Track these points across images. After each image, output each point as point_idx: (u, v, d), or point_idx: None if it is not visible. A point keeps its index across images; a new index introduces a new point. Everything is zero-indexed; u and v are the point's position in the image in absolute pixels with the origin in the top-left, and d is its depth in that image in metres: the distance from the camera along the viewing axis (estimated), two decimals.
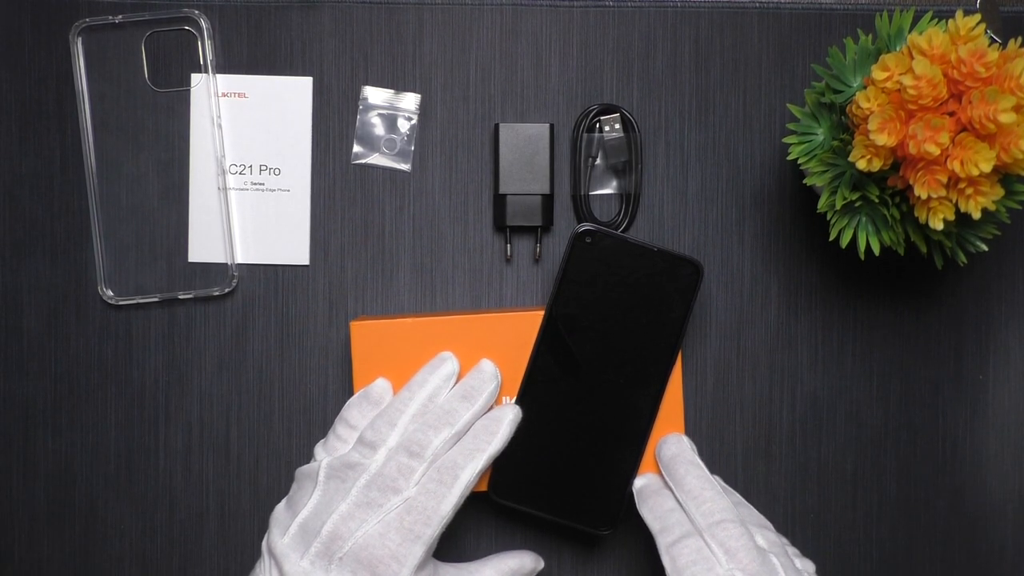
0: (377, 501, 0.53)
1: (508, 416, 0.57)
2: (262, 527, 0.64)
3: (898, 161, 0.53)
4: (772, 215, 0.65)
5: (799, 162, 0.57)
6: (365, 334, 0.60)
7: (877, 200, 0.55)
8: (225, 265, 0.63)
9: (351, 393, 0.63)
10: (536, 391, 0.60)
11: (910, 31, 0.55)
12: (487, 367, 0.59)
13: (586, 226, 0.60)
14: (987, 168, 0.50)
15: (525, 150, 0.63)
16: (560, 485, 0.60)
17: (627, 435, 0.60)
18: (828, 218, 0.57)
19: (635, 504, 0.59)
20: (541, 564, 0.61)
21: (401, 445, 0.55)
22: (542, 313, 0.60)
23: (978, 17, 0.52)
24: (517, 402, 0.60)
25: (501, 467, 0.60)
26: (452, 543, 0.64)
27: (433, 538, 0.53)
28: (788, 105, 0.60)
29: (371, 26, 0.64)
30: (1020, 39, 0.53)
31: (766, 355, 0.65)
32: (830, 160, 0.56)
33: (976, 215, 0.52)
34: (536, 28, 0.64)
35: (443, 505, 0.53)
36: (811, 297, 0.65)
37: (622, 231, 0.64)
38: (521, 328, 0.60)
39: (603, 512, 0.61)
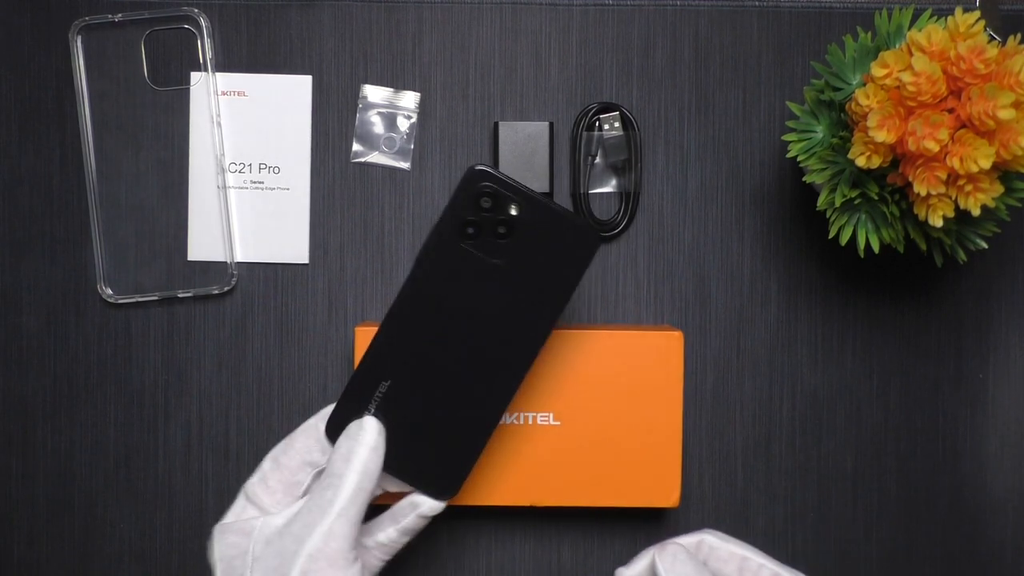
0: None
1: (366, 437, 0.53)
2: None
3: (897, 158, 0.53)
4: (772, 213, 0.65)
5: (798, 160, 0.57)
6: (369, 340, 0.59)
7: (877, 197, 0.55)
8: (224, 264, 0.63)
9: None
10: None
11: (909, 28, 0.55)
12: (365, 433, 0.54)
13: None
14: (986, 164, 0.50)
15: (524, 148, 0.63)
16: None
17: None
18: (828, 216, 0.57)
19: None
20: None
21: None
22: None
23: (977, 14, 0.52)
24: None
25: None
26: (457, 553, 0.64)
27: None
28: (788, 103, 0.60)
29: (371, 24, 0.64)
30: (1019, 36, 0.53)
31: (766, 354, 0.64)
32: (829, 157, 0.56)
33: (976, 212, 0.52)
34: (535, 26, 0.64)
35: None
36: (811, 295, 0.65)
37: (621, 230, 0.64)
38: None
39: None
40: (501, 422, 0.58)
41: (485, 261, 0.53)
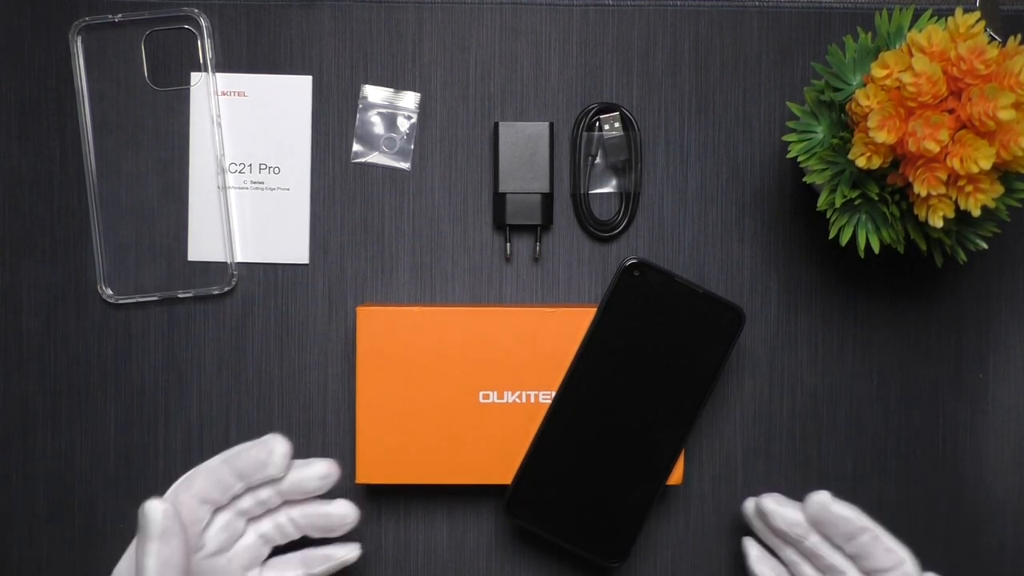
0: None
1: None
2: None
3: (898, 159, 0.53)
4: (772, 213, 0.65)
5: (799, 160, 0.57)
6: (371, 320, 0.60)
7: (877, 198, 0.55)
8: (224, 264, 0.63)
9: (352, 390, 0.64)
10: (565, 415, 0.60)
11: (909, 29, 0.55)
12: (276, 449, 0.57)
13: (634, 259, 0.60)
14: (987, 165, 0.50)
15: (525, 149, 0.63)
16: (575, 511, 0.61)
17: (647, 471, 0.60)
18: (828, 216, 0.57)
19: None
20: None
21: None
22: (553, 310, 0.60)
23: (977, 15, 0.52)
24: (544, 424, 0.60)
25: (520, 485, 0.60)
26: (461, 552, 0.64)
27: None
28: (788, 103, 0.60)
29: (371, 25, 0.64)
30: (1019, 36, 0.53)
31: (766, 355, 0.65)
32: (830, 158, 0.56)
33: (976, 212, 0.52)
34: (536, 27, 0.64)
35: None
36: (811, 296, 0.65)
37: (622, 230, 0.64)
38: (528, 324, 0.60)
39: (614, 544, 0.61)
40: (503, 401, 0.61)
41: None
